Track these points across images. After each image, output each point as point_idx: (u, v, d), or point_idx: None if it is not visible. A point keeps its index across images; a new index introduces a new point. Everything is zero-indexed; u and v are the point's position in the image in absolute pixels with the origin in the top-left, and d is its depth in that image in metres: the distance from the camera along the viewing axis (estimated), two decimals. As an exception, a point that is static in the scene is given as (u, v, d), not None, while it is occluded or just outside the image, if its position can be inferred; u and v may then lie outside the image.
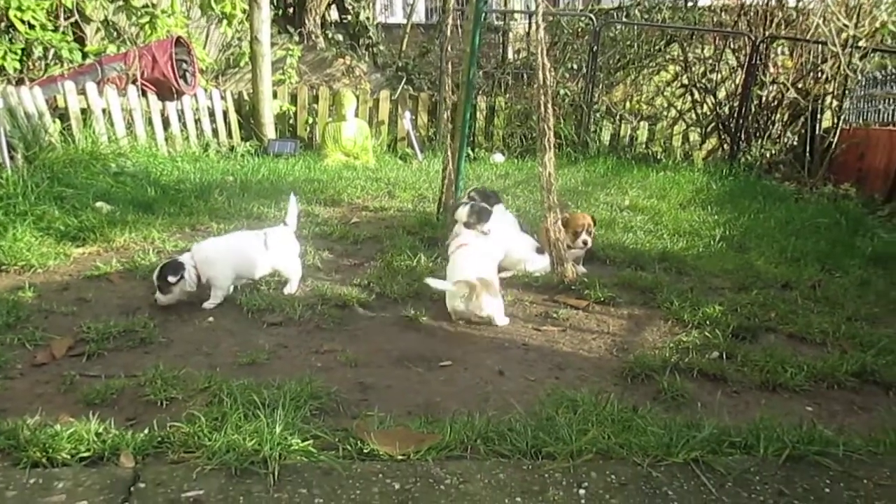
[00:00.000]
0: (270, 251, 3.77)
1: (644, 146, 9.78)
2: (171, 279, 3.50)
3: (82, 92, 7.21)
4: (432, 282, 3.48)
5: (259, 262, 3.76)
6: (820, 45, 8.75)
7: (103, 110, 7.36)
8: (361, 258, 4.52)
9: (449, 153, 4.82)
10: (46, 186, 5.42)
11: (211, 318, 3.45)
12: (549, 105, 3.79)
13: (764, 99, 9.49)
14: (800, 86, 9.14)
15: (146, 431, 2.18)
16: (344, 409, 2.51)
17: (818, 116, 9.02)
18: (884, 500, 1.93)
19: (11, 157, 5.72)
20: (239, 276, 3.75)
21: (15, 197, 5.05)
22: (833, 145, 8.68)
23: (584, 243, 4.20)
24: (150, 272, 3.97)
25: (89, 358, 2.92)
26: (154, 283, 3.55)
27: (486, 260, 3.79)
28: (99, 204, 5.44)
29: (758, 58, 9.13)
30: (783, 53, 9.56)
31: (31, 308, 3.43)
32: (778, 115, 9.59)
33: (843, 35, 8.35)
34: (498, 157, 9.57)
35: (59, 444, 2.04)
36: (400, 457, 2.07)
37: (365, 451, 2.12)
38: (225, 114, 9.07)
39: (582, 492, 1.92)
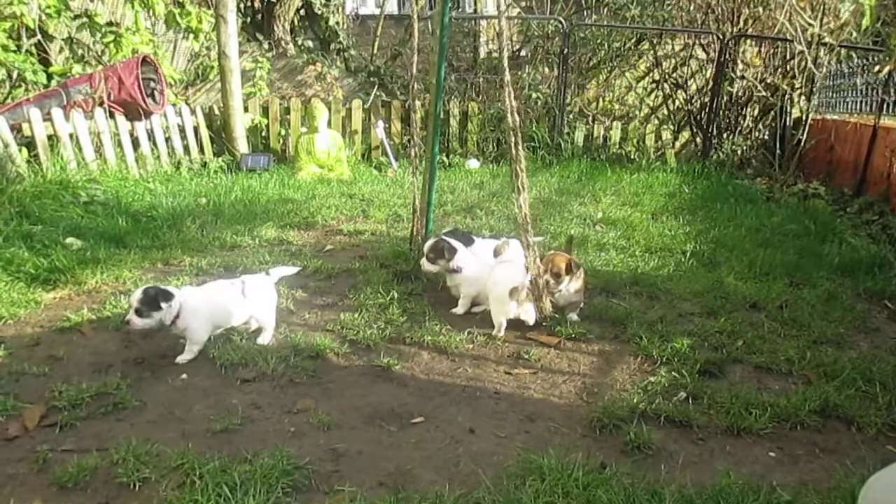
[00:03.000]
0: (248, 300, 3.79)
1: (618, 146, 9.85)
2: (163, 304, 3.44)
3: (48, 118, 7.12)
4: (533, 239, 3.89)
5: (236, 312, 3.77)
6: (787, 42, 8.84)
7: (70, 135, 7.28)
8: (335, 296, 4.54)
9: (417, 186, 4.83)
10: (15, 225, 5.39)
11: (184, 376, 3.46)
12: (521, 146, 3.81)
13: (734, 94, 9.58)
14: (768, 81, 9.23)
15: (118, 527, 2.20)
16: (316, 484, 2.55)
17: (787, 111, 9.13)
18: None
19: (-23, 195, 5.66)
20: (216, 325, 3.76)
21: (-18, 240, 5.01)
22: (803, 140, 8.79)
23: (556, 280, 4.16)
24: (122, 323, 3.99)
25: (62, 429, 2.93)
26: (132, 305, 3.46)
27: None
28: (69, 240, 5.41)
29: (727, 54, 9.20)
30: (751, 49, 9.62)
31: (2, 370, 3.42)
32: (748, 111, 9.69)
33: (809, 32, 8.44)
34: (473, 163, 9.60)
35: (32, 549, 2.06)
36: (369, 546, 2.12)
37: (336, 538, 2.16)
38: (196, 129, 9.01)
39: (546, 579, 1.98)
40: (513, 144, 3.80)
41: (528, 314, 4.00)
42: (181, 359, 3.61)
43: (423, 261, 4.34)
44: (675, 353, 3.73)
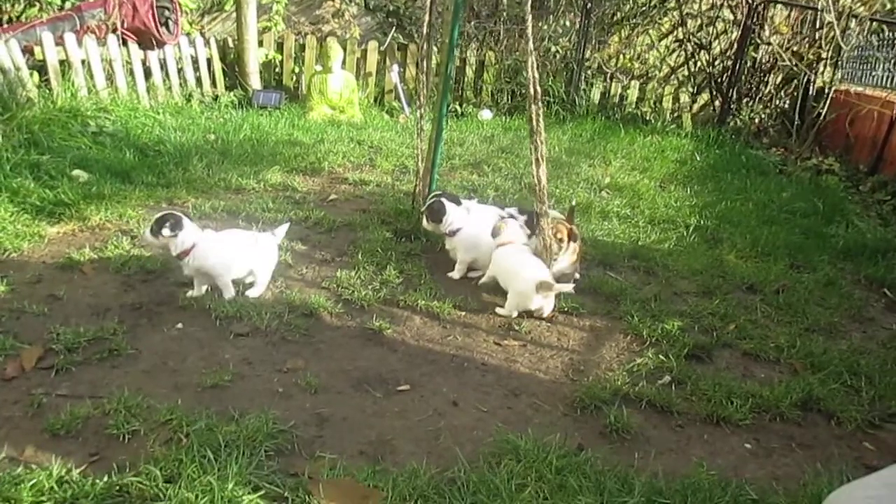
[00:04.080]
0: (256, 255, 3.87)
1: (634, 106, 9.69)
2: (165, 230, 3.63)
3: (60, 42, 7.05)
4: (561, 287, 3.82)
5: (244, 264, 3.86)
6: (816, 11, 8.60)
7: (82, 61, 7.22)
8: (334, 251, 4.57)
9: (421, 146, 4.80)
10: (23, 154, 5.40)
11: (180, 325, 3.52)
12: (542, 117, 3.76)
13: (758, 60, 9.37)
14: (794, 49, 9.01)
15: (105, 479, 2.29)
16: (299, 449, 2.62)
17: (811, 81, 8.94)
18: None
19: (-14, 121, 5.66)
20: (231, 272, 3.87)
21: (-10, 169, 5.04)
22: (823, 112, 8.63)
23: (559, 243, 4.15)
24: (123, 265, 4.05)
25: (58, 373, 3.00)
26: (150, 225, 3.67)
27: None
28: (76, 172, 5.43)
29: (754, 18, 8.96)
30: (780, 15, 9.35)
31: (2, 307, 3.49)
32: (771, 78, 9.49)
33: (840, 2, 8.20)
34: (486, 114, 9.48)
35: (22, 496, 2.15)
36: (343, 518, 2.20)
37: (312, 506, 2.24)
38: (209, 62, 8.91)
39: (510, 563, 2.06)
40: (533, 115, 3.75)
41: (549, 306, 3.90)
42: (227, 295, 3.79)
43: (423, 218, 4.38)
44: (665, 334, 3.76)
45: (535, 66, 3.76)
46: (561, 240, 4.02)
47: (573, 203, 4.51)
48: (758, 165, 7.67)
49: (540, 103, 3.78)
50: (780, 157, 8.24)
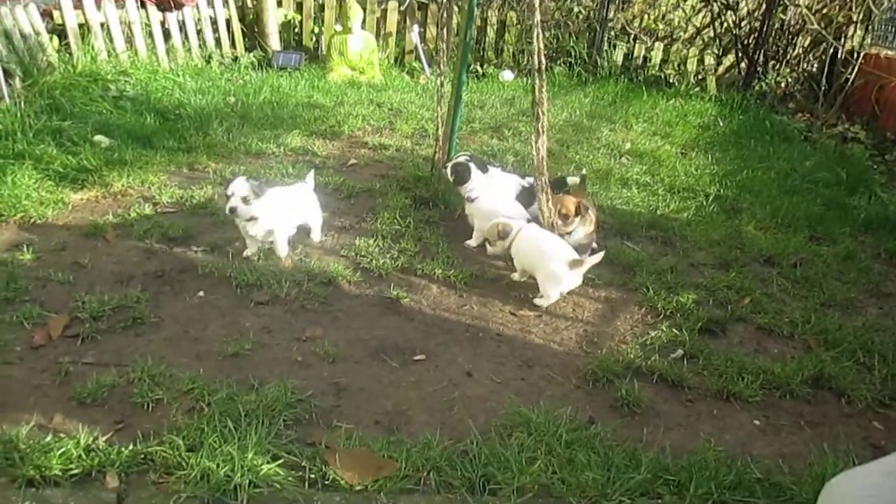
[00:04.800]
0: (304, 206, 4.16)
1: (657, 68, 9.52)
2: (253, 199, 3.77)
3: (79, 5, 7.05)
4: (592, 260, 3.77)
5: (299, 217, 4.13)
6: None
7: (101, 24, 7.22)
8: (353, 218, 4.61)
9: (440, 111, 4.79)
10: (45, 120, 5.46)
11: (201, 293, 3.60)
12: (545, 89, 3.74)
13: (786, 22, 9.14)
14: (824, 11, 8.78)
15: (130, 447, 2.38)
16: (317, 418, 2.70)
17: (840, 45, 8.72)
18: (790, 557, 2.13)
19: (9, 85, 5.71)
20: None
21: (13, 134, 5.11)
22: (851, 78, 8.43)
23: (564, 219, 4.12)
24: (145, 232, 4.13)
25: (83, 341, 3.10)
26: (235, 194, 3.74)
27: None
28: (98, 138, 5.50)
29: (784, -22, 8.73)
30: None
31: (29, 276, 3.58)
32: (798, 40, 9.27)
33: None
34: (507, 75, 9.39)
35: (51, 463, 2.25)
36: (358, 487, 2.28)
37: (328, 476, 2.32)
38: (228, 23, 8.87)
39: (518, 536, 2.13)
40: (537, 86, 3.73)
41: (579, 282, 3.84)
42: (282, 253, 3.99)
43: (447, 170, 4.45)
44: (680, 307, 3.78)
45: (540, 37, 3.73)
46: (566, 215, 4.01)
47: (583, 173, 4.50)
48: (782, 131, 7.56)
49: (544, 74, 3.76)
50: (805, 122, 8.10)
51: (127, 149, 5.32)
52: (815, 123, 8.08)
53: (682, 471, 2.44)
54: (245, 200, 3.75)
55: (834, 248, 4.87)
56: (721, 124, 7.69)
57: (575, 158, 6.06)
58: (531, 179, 4.59)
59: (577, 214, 4.03)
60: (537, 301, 3.76)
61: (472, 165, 4.35)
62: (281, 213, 3.94)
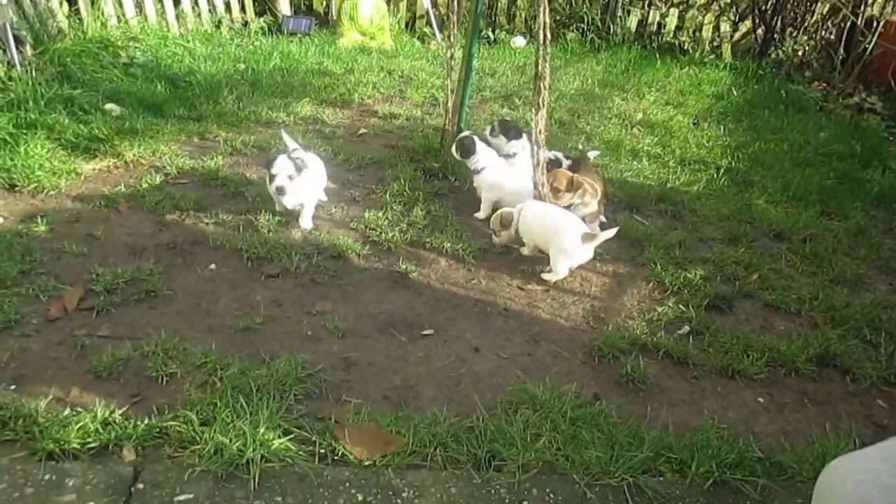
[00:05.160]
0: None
1: (672, 35, 9.37)
2: (304, 171, 3.95)
3: (89, -31, 7.00)
4: (605, 234, 3.76)
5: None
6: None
7: (112, -12, 7.18)
8: (362, 189, 4.63)
9: (451, 79, 4.76)
10: (56, 88, 5.46)
11: (213, 266, 3.64)
12: (548, 63, 3.72)
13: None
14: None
15: (146, 421, 2.45)
16: (327, 393, 2.76)
17: (860, 10, 8.54)
18: (788, 535, 2.18)
19: (20, 52, 5.69)
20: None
21: (25, 103, 5.12)
22: (870, 46, 8.27)
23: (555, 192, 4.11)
24: (157, 204, 4.16)
25: (98, 314, 3.15)
26: (279, 173, 3.88)
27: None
28: (109, 106, 5.51)
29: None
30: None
31: (44, 247, 3.63)
32: (818, 6, 9.08)
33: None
34: (519, 41, 9.28)
35: (70, 437, 2.32)
36: (366, 463, 2.34)
37: (337, 451, 2.38)
38: (238, -14, 8.77)
39: (521, 512, 2.19)
40: (540, 60, 3.71)
41: (590, 254, 3.84)
42: (305, 224, 4.10)
43: (453, 148, 4.48)
44: (687, 283, 3.80)
45: (546, 10, 3.70)
46: (557, 189, 4.01)
47: (583, 150, 4.50)
48: (797, 101, 7.46)
49: (548, 48, 3.74)
50: (821, 92, 7.98)
51: (138, 118, 5.33)
52: (832, 93, 7.96)
53: (684, 449, 2.49)
54: (291, 178, 3.88)
55: (845, 222, 4.86)
56: (735, 94, 7.60)
57: (586, 129, 6.03)
58: (556, 153, 4.62)
59: (568, 189, 4.02)
60: (546, 276, 3.78)
61: (476, 138, 4.40)
62: (312, 184, 4.09)
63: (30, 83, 5.35)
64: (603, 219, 4.33)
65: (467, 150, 4.35)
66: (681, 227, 4.50)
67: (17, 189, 4.22)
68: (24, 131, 4.79)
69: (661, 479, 2.37)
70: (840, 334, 3.50)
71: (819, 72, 8.69)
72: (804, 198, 5.12)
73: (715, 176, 5.31)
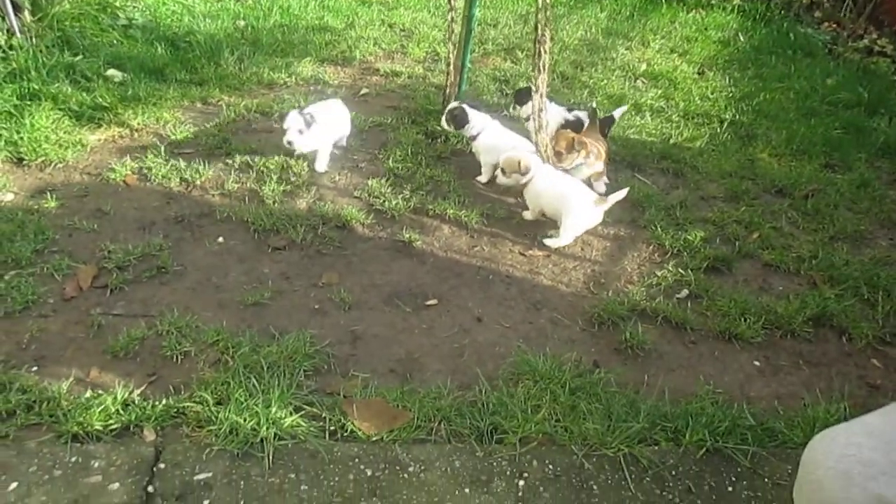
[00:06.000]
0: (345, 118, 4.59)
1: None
2: (313, 126, 4.23)
3: (82, -74, 6.87)
4: (615, 196, 3.80)
5: (342, 129, 4.59)
6: None
7: (106, -54, 7.05)
8: (365, 154, 4.65)
9: (451, 42, 4.73)
10: (57, 56, 5.45)
11: (221, 239, 3.72)
12: (548, 26, 3.70)
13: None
14: None
15: (164, 402, 2.57)
16: (335, 367, 2.87)
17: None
18: (776, 501, 2.29)
19: (19, 18, 5.66)
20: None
21: (27, 73, 5.12)
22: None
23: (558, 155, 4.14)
24: (163, 177, 4.21)
25: (112, 292, 3.25)
26: (291, 128, 4.20)
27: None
28: (111, 72, 5.50)
29: None
30: None
31: (55, 224, 3.70)
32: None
33: None
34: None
35: (92, 419, 2.44)
36: (374, 438, 2.45)
37: (346, 427, 2.50)
38: (234, -62, 8.59)
39: (521, 483, 2.31)
40: (541, 22, 3.69)
41: (600, 218, 3.88)
42: (319, 167, 4.39)
43: (443, 119, 4.49)
44: (687, 245, 3.86)
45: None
46: (559, 152, 4.03)
47: (593, 106, 4.50)
48: (805, 45, 7.34)
49: (549, 11, 3.71)
50: (830, 34, 7.83)
51: (140, 83, 5.32)
52: (841, 35, 7.82)
53: (679, 418, 2.59)
54: (300, 133, 4.19)
55: (848, 175, 4.87)
56: (742, 39, 7.47)
57: (589, 83, 5.98)
58: (577, 112, 4.61)
59: (570, 151, 4.03)
60: (548, 242, 3.84)
61: (465, 107, 4.42)
62: (324, 131, 4.36)
63: (31, 52, 5.34)
64: (606, 180, 4.35)
65: (460, 120, 4.37)
66: (682, 186, 4.52)
67: (24, 163, 4.28)
68: (29, 102, 4.80)
69: (657, 447, 2.48)
70: (838, 293, 3.57)
71: (829, 11, 8.50)
72: (808, 150, 5.11)
73: (718, 130, 5.30)
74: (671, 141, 5.07)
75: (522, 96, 4.62)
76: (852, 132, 5.45)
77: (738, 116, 5.55)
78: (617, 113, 4.73)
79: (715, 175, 4.67)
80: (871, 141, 5.34)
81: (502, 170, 4.01)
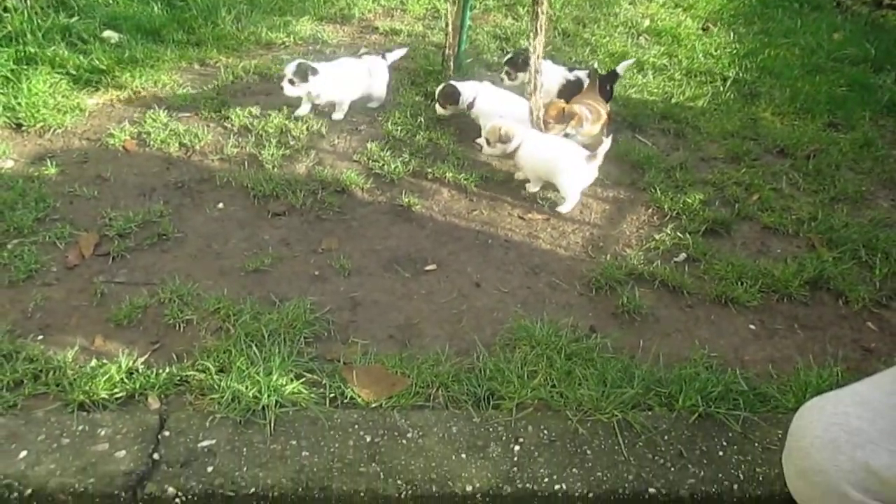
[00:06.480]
0: (371, 78, 4.61)
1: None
2: (311, 77, 4.30)
3: None
4: (601, 150, 3.79)
5: (361, 86, 4.60)
6: None
7: None
8: (364, 117, 4.63)
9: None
10: (53, 17, 5.40)
11: (221, 205, 3.73)
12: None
13: None
14: None
15: (167, 370, 2.62)
16: (335, 334, 2.91)
17: None
18: (766, 465, 2.35)
19: (13, -23, 5.59)
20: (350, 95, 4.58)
21: (23, 35, 5.08)
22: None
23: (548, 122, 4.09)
24: (162, 141, 4.21)
25: (114, 259, 3.28)
26: (286, 76, 4.32)
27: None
28: (107, 34, 5.46)
29: None
30: None
31: (56, 192, 3.72)
32: None
33: None
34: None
35: (98, 388, 2.49)
36: (374, 405, 2.51)
37: (346, 394, 2.55)
38: None
39: (517, 448, 2.36)
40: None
41: (594, 174, 3.89)
42: (336, 117, 4.56)
43: (437, 105, 4.46)
44: (686, 207, 3.85)
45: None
46: (547, 122, 4.00)
47: (594, 67, 4.44)
48: (813, -1, 7.21)
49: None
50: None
51: (136, 45, 5.28)
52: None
53: (672, 383, 2.63)
54: (292, 83, 4.30)
55: (851, 134, 4.83)
56: (749, -9, 7.34)
57: (591, 40, 5.90)
58: (578, 72, 4.57)
59: (559, 121, 4.00)
60: (560, 209, 3.84)
61: (452, 83, 4.40)
62: (339, 85, 4.48)
63: (26, 14, 5.29)
64: (606, 140, 4.32)
65: (453, 97, 4.36)
66: (683, 147, 4.50)
67: (23, 129, 4.27)
68: (25, 67, 4.77)
69: (650, 413, 2.53)
70: (836, 256, 3.58)
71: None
72: (812, 108, 5.07)
73: (721, 88, 5.25)
74: (673, 100, 5.02)
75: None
76: (857, 89, 5.39)
77: (741, 74, 5.49)
78: (621, 68, 4.66)
79: (716, 135, 4.64)
80: (877, 98, 5.28)
81: (487, 140, 3.98)
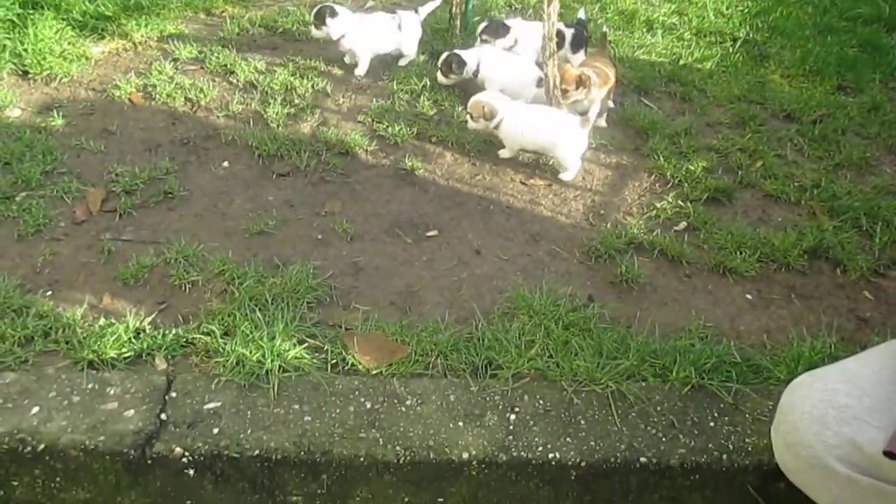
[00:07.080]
0: (401, 32, 4.58)
1: None
2: (328, 20, 4.37)
3: None
4: (591, 113, 3.79)
5: (390, 40, 4.62)
6: None
7: None
8: (369, 76, 4.59)
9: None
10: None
11: (226, 164, 3.75)
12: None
13: None
14: None
15: (174, 331, 2.68)
16: (337, 299, 2.96)
17: None
18: (755, 435, 2.42)
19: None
20: (374, 49, 4.59)
21: (29, -21, 5.02)
22: None
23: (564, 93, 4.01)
24: (168, 95, 4.20)
25: (121, 216, 3.32)
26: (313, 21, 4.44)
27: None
28: (113, -22, 5.38)
29: None
30: None
31: (63, 144, 3.74)
32: None
33: None
34: None
35: (106, 347, 2.57)
36: (374, 371, 2.58)
37: (347, 360, 2.62)
38: None
39: (513, 417, 2.44)
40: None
41: (587, 139, 3.86)
42: (358, 72, 4.57)
43: (439, 74, 4.41)
44: (689, 175, 3.86)
45: None
46: (565, 90, 3.95)
47: (604, 30, 4.39)
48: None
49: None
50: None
51: (142, -10, 5.22)
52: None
53: (667, 354, 2.69)
54: (315, 25, 4.41)
55: (860, 97, 4.79)
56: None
57: (601, -2, 5.81)
58: (559, 24, 4.49)
59: (577, 87, 3.96)
60: (562, 176, 3.83)
61: (455, 52, 4.34)
62: (359, 35, 4.50)
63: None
64: (611, 104, 4.31)
65: (459, 65, 4.28)
66: (688, 112, 4.47)
67: (30, 76, 4.28)
68: (31, 11, 4.74)
69: (644, 384, 2.59)
70: (836, 225, 3.60)
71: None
72: (821, 70, 5.01)
73: (730, 50, 5.18)
74: (681, 62, 4.97)
75: (494, 31, 4.47)
76: (868, 50, 5.32)
77: (751, 34, 5.41)
78: (583, 12, 4.66)
79: (723, 99, 4.61)
80: (888, 60, 5.21)
81: (470, 114, 3.92)
